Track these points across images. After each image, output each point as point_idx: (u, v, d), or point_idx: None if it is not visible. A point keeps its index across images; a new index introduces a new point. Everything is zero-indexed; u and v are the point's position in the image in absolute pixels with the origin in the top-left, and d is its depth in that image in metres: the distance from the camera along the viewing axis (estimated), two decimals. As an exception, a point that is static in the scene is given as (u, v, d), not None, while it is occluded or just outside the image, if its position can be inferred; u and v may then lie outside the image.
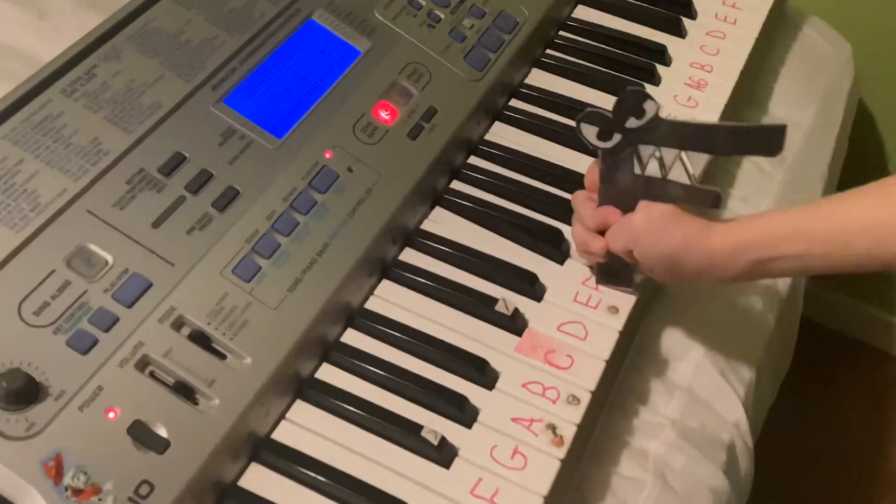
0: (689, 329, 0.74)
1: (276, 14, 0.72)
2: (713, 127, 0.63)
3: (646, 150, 0.62)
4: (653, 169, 0.62)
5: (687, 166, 0.62)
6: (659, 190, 0.62)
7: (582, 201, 0.66)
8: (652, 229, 0.61)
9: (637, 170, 0.62)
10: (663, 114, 0.62)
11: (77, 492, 0.48)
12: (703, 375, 0.72)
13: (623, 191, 0.63)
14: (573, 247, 0.68)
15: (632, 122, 0.61)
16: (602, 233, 0.64)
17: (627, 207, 0.63)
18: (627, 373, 0.70)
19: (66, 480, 0.48)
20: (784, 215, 0.60)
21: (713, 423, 0.70)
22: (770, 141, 0.59)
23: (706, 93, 0.82)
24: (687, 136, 0.61)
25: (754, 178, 0.87)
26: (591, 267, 0.67)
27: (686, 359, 0.72)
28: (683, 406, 0.69)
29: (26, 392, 0.50)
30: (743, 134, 0.61)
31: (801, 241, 0.58)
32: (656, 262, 0.62)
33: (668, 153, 0.62)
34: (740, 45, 0.87)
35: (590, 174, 0.65)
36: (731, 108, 0.83)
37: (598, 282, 0.66)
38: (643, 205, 0.62)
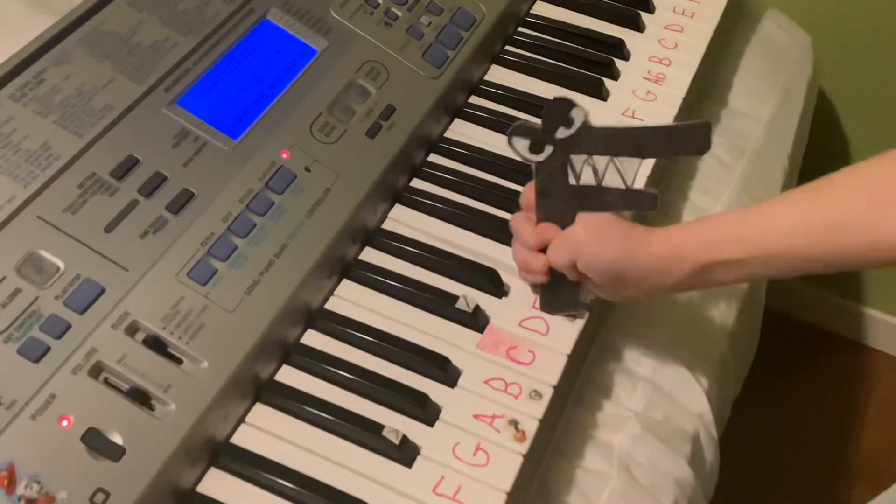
0: (652, 322, 0.74)
1: (229, 14, 0.72)
2: (641, 130, 0.61)
3: (578, 159, 0.61)
4: (587, 178, 0.61)
5: (621, 172, 0.61)
6: (596, 199, 0.61)
7: (520, 222, 0.64)
8: (593, 238, 0.60)
9: (572, 180, 0.61)
10: (593, 121, 0.61)
11: (31, 501, 0.47)
12: (666, 367, 0.72)
13: (560, 204, 0.62)
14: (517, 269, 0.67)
15: (561, 132, 0.60)
16: (543, 251, 0.63)
17: (566, 222, 0.62)
18: (591, 366, 0.70)
19: (20, 490, 0.47)
20: (722, 219, 0.59)
21: (677, 414, 0.70)
22: (697, 140, 0.60)
23: (665, 86, 0.82)
24: (616, 141, 0.60)
25: (715, 170, 0.88)
26: (534, 291, 0.65)
27: (649, 351, 0.72)
28: (647, 398, 0.69)
29: (-25, 402, 0.49)
30: (670, 135, 0.61)
31: (740, 245, 0.57)
32: (600, 273, 0.60)
33: (601, 161, 0.61)
34: (698, 38, 0.87)
35: (526, 194, 0.64)
36: (689, 101, 0.84)
37: (542, 308, 0.64)
38: (582, 216, 0.61)
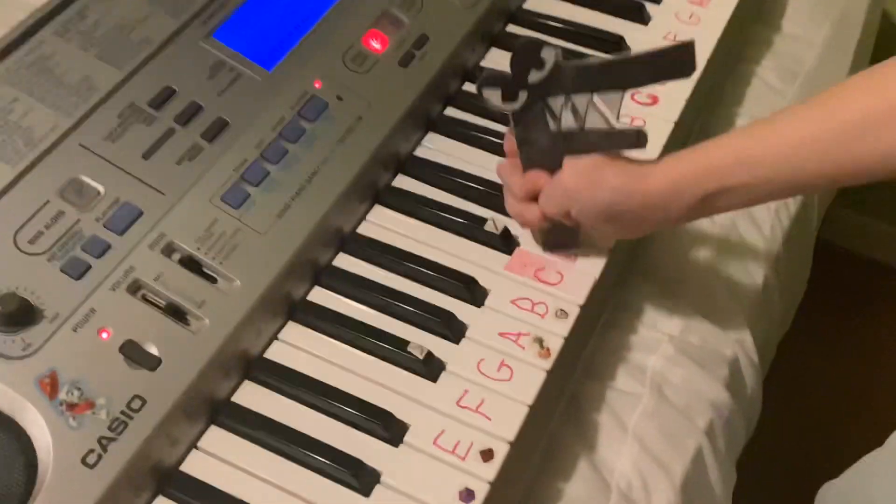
0: (692, 249, 0.73)
1: (265, -51, 0.73)
2: (618, 61, 0.58)
3: (556, 102, 0.58)
4: (568, 121, 0.58)
5: (602, 110, 0.58)
6: (580, 141, 0.58)
7: (507, 171, 0.62)
8: (584, 184, 0.58)
9: (552, 126, 0.58)
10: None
11: (71, 406, 0.50)
12: (705, 293, 0.71)
13: (544, 151, 0.59)
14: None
15: (534, 76, 0.57)
16: (535, 198, 0.61)
17: (554, 167, 0.59)
18: (627, 292, 0.70)
19: (61, 396, 0.51)
20: (723, 144, 0.56)
21: (715, 339, 0.70)
22: (680, 61, 0.56)
23: (709, 8, 0.80)
24: (594, 77, 0.57)
25: (765, 95, 0.85)
26: (534, 235, 0.64)
27: (688, 279, 0.72)
28: (684, 322, 0.69)
29: (22, 314, 0.52)
30: (651, 61, 0.57)
31: (744, 170, 0.54)
32: (596, 218, 0.58)
33: (580, 100, 0.58)
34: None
35: (508, 142, 0.62)
36: (735, 24, 0.81)
37: (544, 250, 0.63)
38: (569, 161, 0.58)
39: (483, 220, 0.64)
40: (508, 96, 0.58)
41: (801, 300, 0.91)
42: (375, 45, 0.71)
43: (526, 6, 0.81)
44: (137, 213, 0.58)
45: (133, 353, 0.53)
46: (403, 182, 0.68)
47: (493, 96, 0.58)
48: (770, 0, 0.92)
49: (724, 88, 0.84)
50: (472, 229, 0.64)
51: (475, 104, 0.73)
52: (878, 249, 1.37)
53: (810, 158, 0.53)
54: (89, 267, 0.55)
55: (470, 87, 0.75)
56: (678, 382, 0.66)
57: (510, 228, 0.64)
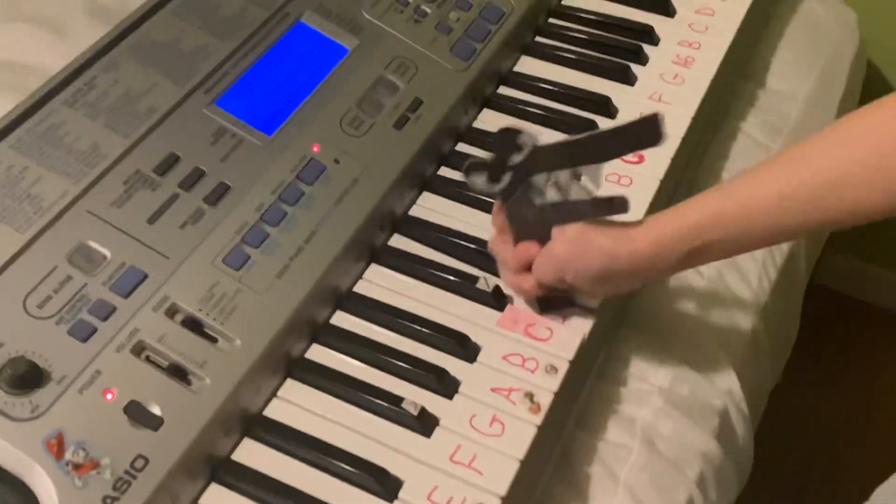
0: (680, 301, 0.75)
1: (266, 18, 0.76)
2: (589, 137, 0.61)
3: (540, 179, 0.61)
4: (553, 195, 0.61)
5: (584, 181, 0.61)
6: (566, 212, 0.61)
7: (499, 246, 0.66)
8: (575, 253, 0.61)
9: (538, 201, 0.62)
10: (540, 141, 0.61)
11: (77, 466, 0.52)
12: (693, 345, 0.73)
13: (533, 224, 0.63)
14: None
15: (515, 158, 0.61)
16: (529, 268, 0.64)
17: (543, 237, 0.62)
18: (617, 343, 0.72)
19: (67, 456, 0.52)
20: (699, 204, 0.59)
21: (704, 390, 0.71)
22: (649, 132, 0.59)
23: (693, 69, 0.83)
24: (570, 154, 0.61)
25: (749, 149, 0.88)
26: (530, 304, 0.66)
27: (677, 330, 0.74)
28: (673, 374, 0.71)
29: (30, 377, 0.54)
30: (620, 135, 0.61)
31: (720, 228, 0.57)
32: (591, 282, 0.61)
33: (563, 175, 0.61)
34: (729, 21, 0.88)
35: (496, 218, 0.65)
36: (719, 84, 0.84)
37: (540, 313, 0.65)
38: (556, 231, 0.62)
39: (475, 279, 0.66)
40: (493, 178, 0.62)
41: (795, 345, 0.93)
42: (370, 110, 0.74)
43: (517, 69, 0.85)
44: (142, 276, 0.60)
45: (136, 413, 0.55)
46: (399, 241, 0.71)
47: (479, 181, 0.62)
48: (755, 56, 0.95)
49: (709, 144, 0.87)
50: (464, 287, 0.67)
51: (468, 164, 0.76)
52: (874, 294, 1.39)
53: (783, 214, 0.55)
54: (95, 329, 0.57)
55: (463, 148, 0.78)
56: (668, 434, 0.68)
57: (501, 287, 0.66)
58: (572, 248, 0.61)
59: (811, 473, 1.24)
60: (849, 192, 0.53)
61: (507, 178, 0.62)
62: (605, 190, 0.61)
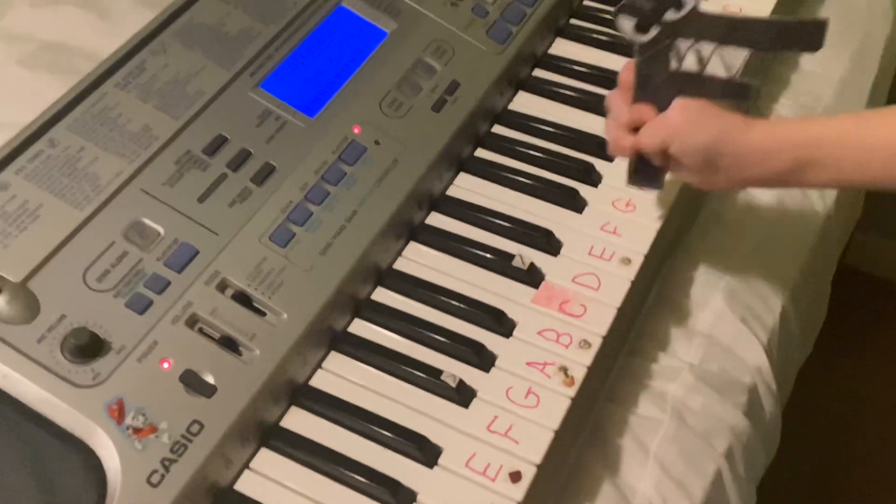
0: (710, 277, 0.77)
1: (308, 2, 0.78)
2: (753, 21, 0.62)
3: (683, 44, 0.61)
4: (690, 63, 0.61)
5: (725, 61, 0.61)
6: (696, 86, 0.61)
7: (617, 100, 0.66)
8: (689, 123, 0.61)
9: (674, 65, 0.62)
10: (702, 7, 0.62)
11: (137, 430, 0.56)
12: (724, 322, 0.75)
13: (658, 87, 0.62)
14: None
15: (670, 14, 0.61)
16: (636, 130, 0.65)
17: (663, 104, 0.62)
18: (648, 320, 0.74)
19: (128, 421, 0.56)
20: (831, 121, 0.60)
21: (734, 366, 0.73)
22: (811, 35, 0.60)
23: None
24: (726, 30, 0.60)
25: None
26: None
27: (707, 306, 0.75)
28: (703, 351, 0.73)
29: (91, 347, 0.57)
30: (784, 28, 0.61)
31: (842, 149, 0.58)
32: (693, 156, 0.61)
33: (706, 48, 0.61)
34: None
35: (624, 73, 0.66)
36: (755, 61, 0.85)
37: (629, 182, 0.68)
38: (679, 101, 0.62)
39: (511, 256, 0.69)
40: (641, 28, 0.62)
41: (824, 324, 0.94)
42: (409, 92, 0.76)
43: (552, 51, 0.86)
44: (194, 252, 0.63)
45: (192, 381, 0.58)
46: (437, 220, 0.73)
47: (627, 25, 0.62)
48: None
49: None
50: (500, 264, 0.69)
51: (503, 146, 0.78)
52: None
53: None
54: (151, 302, 0.60)
55: (499, 130, 0.80)
56: (698, 409, 0.70)
57: (535, 264, 0.69)
58: (688, 116, 0.61)
59: (838, 450, 1.26)
60: None
61: (653, 32, 0.61)
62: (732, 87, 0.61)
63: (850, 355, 1.30)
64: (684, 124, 0.61)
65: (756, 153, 0.60)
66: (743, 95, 0.62)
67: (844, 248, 0.97)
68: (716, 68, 0.62)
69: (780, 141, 0.60)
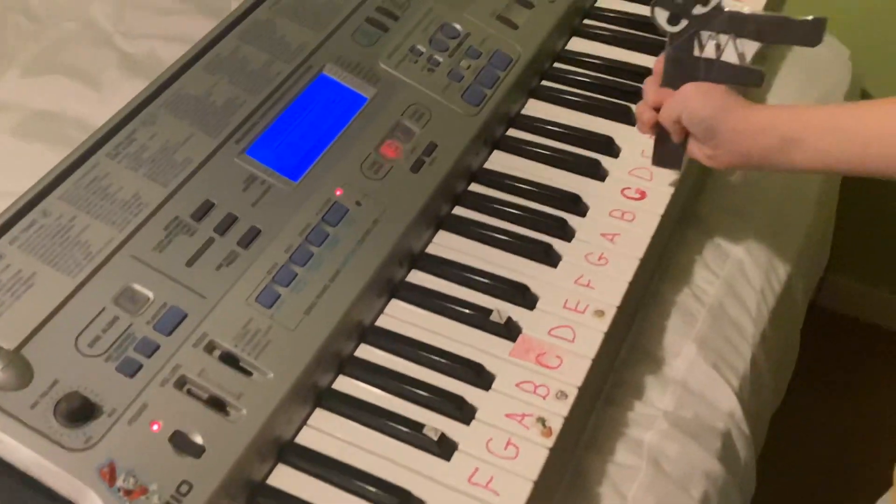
0: (682, 326, 0.80)
1: (290, 71, 0.82)
2: (763, 17, 0.74)
3: (705, 34, 0.74)
4: (710, 51, 0.74)
5: (739, 50, 0.73)
6: (713, 69, 0.74)
7: (649, 83, 0.78)
8: (698, 93, 0.72)
9: (696, 52, 0.74)
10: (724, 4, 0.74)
11: (128, 492, 0.57)
12: (696, 369, 0.78)
13: (683, 72, 0.75)
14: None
15: (698, 9, 0.74)
16: (658, 109, 0.76)
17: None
18: (623, 369, 0.76)
19: (119, 483, 0.57)
20: (820, 107, 0.70)
21: (707, 413, 0.76)
22: (811, 31, 0.71)
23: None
24: (741, 23, 0.73)
25: (742, 185, 0.92)
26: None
27: (680, 354, 0.78)
28: (677, 398, 0.75)
29: (83, 411, 0.59)
30: (789, 24, 0.73)
31: (827, 132, 0.66)
32: (698, 124, 0.72)
33: (724, 38, 0.73)
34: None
35: (658, 62, 0.78)
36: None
37: (653, 161, 0.80)
38: (696, 82, 0.74)
39: (489, 311, 0.71)
40: (672, 21, 0.75)
41: (799, 366, 0.97)
42: (390, 154, 0.79)
43: (525, 112, 0.90)
44: (182, 315, 0.66)
45: (181, 442, 0.60)
46: (417, 277, 0.76)
47: (661, 16, 0.75)
48: (751, 95, 1.00)
49: (709, 176, 0.92)
50: (479, 319, 0.71)
51: (480, 203, 0.81)
52: (877, 315, 1.42)
53: (886, 145, 0.64)
54: (141, 366, 0.63)
55: (476, 188, 0.83)
56: (674, 455, 0.72)
57: (512, 319, 0.71)
58: (697, 89, 0.73)
59: (815, 493, 1.27)
60: None
61: (683, 24, 0.74)
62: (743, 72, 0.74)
63: (826, 396, 1.33)
64: (694, 96, 0.73)
65: (751, 127, 0.70)
66: (752, 79, 0.74)
67: (817, 290, 1.01)
68: (730, 56, 0.74)
69: (771, 119, 0.69)
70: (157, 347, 0.64)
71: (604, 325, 0.71)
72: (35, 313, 0.63)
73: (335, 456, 0.64)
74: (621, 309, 0.72)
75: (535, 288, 0.74)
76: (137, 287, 0.66)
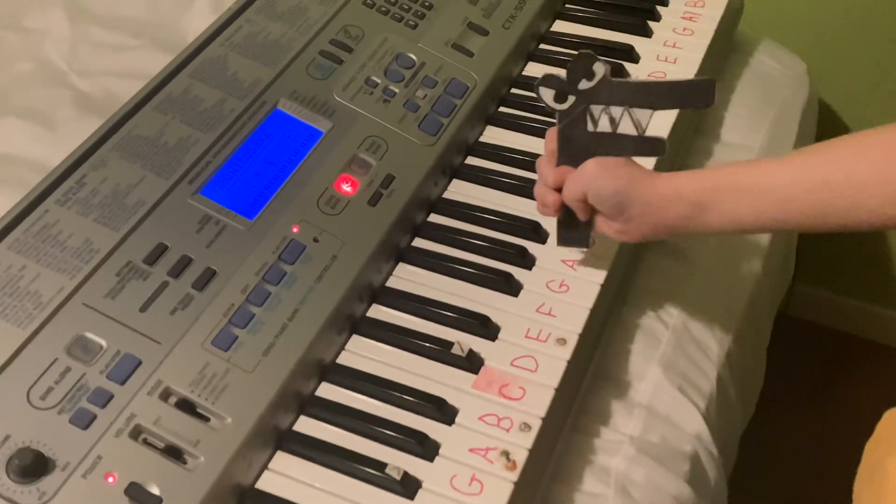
0: (646, 349, 0.80)
1: (244, 108, 0.81)
2: (652, 84, 0.72)
3: (597, 109, 0.70)
4: (604, 125, 0.70)
5: (634, 120, 0.70)
6: (610, 144, 0.71)
7: (543, 163, 0.74)
8: (601, 170, 0.69)
9: (590, 127, 0.71)
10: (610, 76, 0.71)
11: (83, 548, 0.56)
12: (661, 392, 0.77)
13: (578, 149, 0.71)
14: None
15: (583, 84, 0.70)
16: (560, 189, 0.72)
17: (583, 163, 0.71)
18: (588, 395, 0.76)
19: (74, 539, 0.56)
20: (726, 167, 0.69)
21: (673, 436, 0.75)
22: (703, 93, 0.70)
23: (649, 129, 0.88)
24: (631, 94, 0.70)
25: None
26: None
27: (644, 378, 0.78)
28: (643, 422, 0.75)
29: (36, 467, 0.58)
30: (678, 89, 0.71)
31: (736, 193, 0.65)
32: (605, 202, 0.69)
33: (617, 110, 0.70)
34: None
35: (549, 140, 0.74)
36: (679, 136, 0.89)
37: (558, 243, 0.76)
38: (597, 157, 0.70)
39: (450, 344, 0.71)
40: (559, 98, 0.71)
41: (771, 377, 0.97)
42: (346, 188, 0.79)
43: (482, 139, 0.90)
44: (136, 362, 0.64)
45: (136, 494, 0.59)
46: (377, 312, 0.75)
47: (548, 95, 0.71)
48: (708, 112, 1.01)
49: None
50: (440, 353, 0.71)
51: (439, 234, 0.81)
52: (847, 323, 1.43)
53: (794, 199, 0.63)
54: (95, 417, 0.61)
55: (435, 218, 0.82)
56: (641, 481, 0.71)
57: (474, 351, 0.71)
58: (600, 167, 0.69)
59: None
60: (854, 194, 0.60)
61: (570, 100, 0.71)
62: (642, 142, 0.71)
63: (796, 408, 1.33)
64: (598, 173, 0.69)
65: (660, 198, 0.68)
66: (653, 149, 0.71)
67: (786, 299, 1.01)
68: (626, 127, 0.70)
69: (679, 187, 0.67)
70: (111, 397, 0.62)
71: (566, 353, 0.71)
72: (-15, 367, 0.62)
73: (297, 500, 0.63)
74: (584, 336, 0.72)
75: (496, 318, 0.73)
76: (90, 335, 0.65)
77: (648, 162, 0.74)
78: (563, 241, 0.76)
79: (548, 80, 0.71)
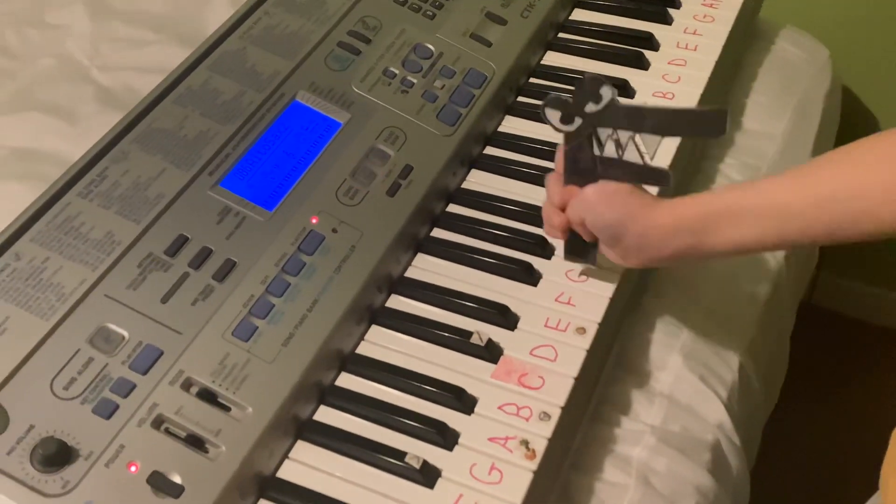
0: (667, 338, 0.79)
1: (263, 100, 0.82)
2: (662, 111, 0.69)
3: (604, 132, 0.69)
4: (610, 150, 0.68)
5: (640, 148, 0.68)
6: (615, 169, 0.68)
7: (551, 181, 0.73)
8: (601, 198, 0.68)
9: (596, 151, 0.69)
10: (620, 100, 0.69)
11: (106, 536, 0.57)
12: (683, 382, 0.77)
13: (585, 170, 0.69)
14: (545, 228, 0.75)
15: (590, 107, 0.68)
16: (565, 209, 0.71)
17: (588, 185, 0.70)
18: (608, 385, 0.76)
19: (97, 527, 0.57)
20: (722, 193, 0.66)
21: (695, 425, 0.75)
22: (714, 123, 0.66)
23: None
24: (639, 119, 0.68)
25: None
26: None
27: (665, 367, 0.77)
28: (664, 412, 0.74)
29: (60, 456, 0.59)
30: (688, 117, 0.69)
31: (735, 217, 0.63)
32: (602, 231, 0.68)
33: (624, 135, 0.68)
34: (701, 69, 0.92)
35: (559, 157, 0.72)
36: (686, 151, 0.88)
37: (565, 257, 0.75)
38: (600, 182, 0.69)
39: (469, 334, 0.71)
40: (565, 120, 0.69)
41: (794, 367, 0.96)
42: (365, 178, 0.79)
43: (501, 129, 0.89)
44: (158, 353, 0.65)
45: (159, 483, 0.59)
46: (396, 302, 0.75)
47: (554, 117, 0.69)
48: (730, 100, 1.00)
49: (689, 186, 0.91)
50: (459, 342, 0.71)
51: (458, 224, 0.81)
52: (871, 312, 1.41)
53: (795, 217, 0.61)
54: (118, 406, 0.62)
55: (454, 209, 0.82)
56: (662, 471, 0.71)
57: (493, 339, 0.71)
58: (601, 195, 0.68)
59: (810, 497, 1.26)
60: (860, 209, 0.58)
61: (577, 123, 0.68)
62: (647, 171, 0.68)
63: (817, 396, 1.32)
64: (597, 201, 0.68)
65: (659, 233, 0.65)
66: (658, 179, 0.69)
67: (810, 288, 1.00)
68: (632, 154, 0.68)
69: (679, 217, 0.65)
70: (134, 387, 0.63)
71: (586, 342, 0.70)
72: (9, 358, 0.63)
73: (317, 489, 0.63)
74: (603, 325, 0.72)
75: (515, 308, 0.73)
76: (112, 327, 0.66)
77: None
78: (570, 257, 0.75)
79: (554, 102, 0.69)
